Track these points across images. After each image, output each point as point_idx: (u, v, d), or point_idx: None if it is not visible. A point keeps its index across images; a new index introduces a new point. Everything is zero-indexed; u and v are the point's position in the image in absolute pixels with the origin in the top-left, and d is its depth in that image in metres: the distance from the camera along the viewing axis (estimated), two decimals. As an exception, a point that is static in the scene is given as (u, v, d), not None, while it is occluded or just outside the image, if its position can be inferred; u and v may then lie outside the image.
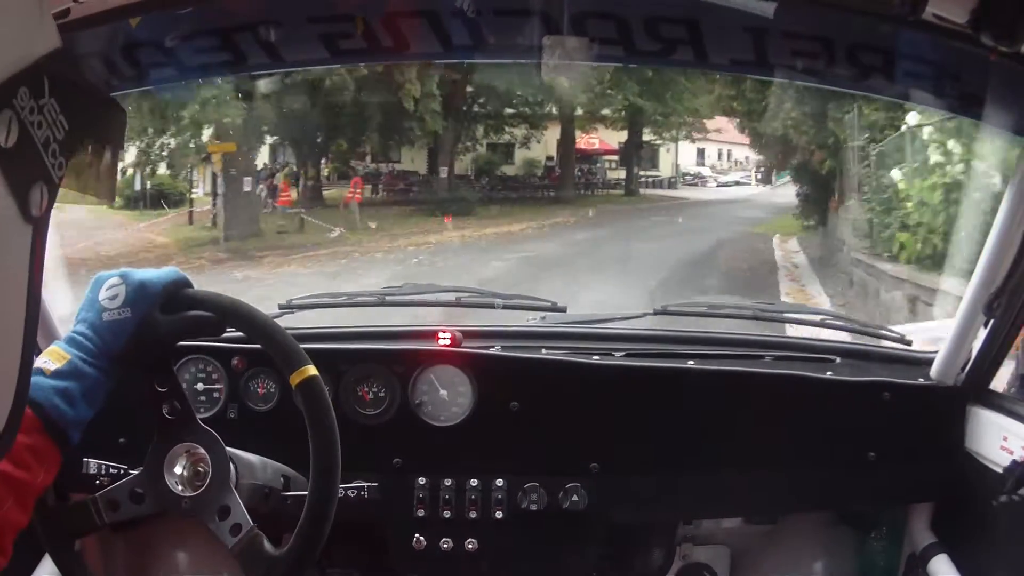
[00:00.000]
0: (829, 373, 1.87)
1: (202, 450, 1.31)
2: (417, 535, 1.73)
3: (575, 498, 1.74)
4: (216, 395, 1.76)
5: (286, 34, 1.36)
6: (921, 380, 1.85)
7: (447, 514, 1.74)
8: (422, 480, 1.74)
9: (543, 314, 2.12)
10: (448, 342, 1.83)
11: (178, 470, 1.31)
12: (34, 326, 0.68)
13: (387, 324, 2.10)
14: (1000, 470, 1.61)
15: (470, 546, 1.74)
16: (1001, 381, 1.80)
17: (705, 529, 2.06)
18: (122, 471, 1.42)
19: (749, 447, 1.80)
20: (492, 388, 1.77)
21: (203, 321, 1.31)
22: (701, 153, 24.25)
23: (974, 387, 1.77)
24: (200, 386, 1.76)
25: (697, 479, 1.81)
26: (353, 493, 1.44)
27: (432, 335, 1.87)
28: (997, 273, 1.60)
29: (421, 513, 1.74)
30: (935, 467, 1.82)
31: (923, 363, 1.90)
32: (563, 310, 2.10)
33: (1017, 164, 1.50)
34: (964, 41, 1.10)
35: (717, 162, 24.87)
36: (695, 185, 23.23)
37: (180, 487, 1.31)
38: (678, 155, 23.39)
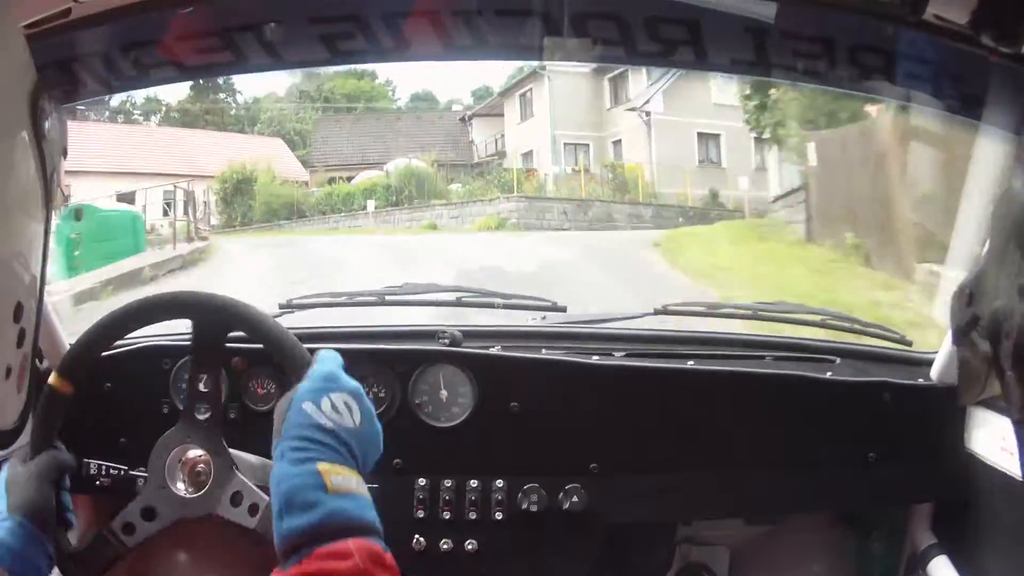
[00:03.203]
0: (829, 373, 1.87)
1: (203, 451, 1.31)
2: (417, 535, 1.73)
3: (575, 498, 1.73)
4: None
5: (286, 34, 1.36)
6: (921, 380, 1.85)
7: (447, 514, 1.74)
8: (422, 481, 1.74)
9: (543, 314, 2.12)
10: (448, 342, 1.83)
11: (180, 473, 1.31)
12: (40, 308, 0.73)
13: (387, 324, 2.10)
14: (1000, 470, 1.61)
15: (470, 546, 1.74)
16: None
17: (705, 529, 2.06)
18: (122, 471, 1.42)
19: (749, 447, 1.80)
20: (492, 388, 1.77)
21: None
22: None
23: (974, 388, 1.76)
24: (200, 386, 1.76)
25: (697, 479, 1.81)
26: None
27: (432, 335, 1.87)
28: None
29: (421, 514, 1.74)
30: (935, 467, 1.82)
31: (923, 363, 1.90)
32: (563, 310, 2.10)
33: (1017, 165, 1.50)
34: (964, 42, 1.11)
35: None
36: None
37: (185, 490, 1.31)
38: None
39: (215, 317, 1.29)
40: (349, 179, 19.23)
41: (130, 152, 18.19)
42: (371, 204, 17.96)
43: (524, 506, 1.73)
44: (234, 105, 21.89)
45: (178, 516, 1.30)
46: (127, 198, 17.04)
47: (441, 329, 1.86)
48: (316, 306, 2.06)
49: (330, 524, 0.94)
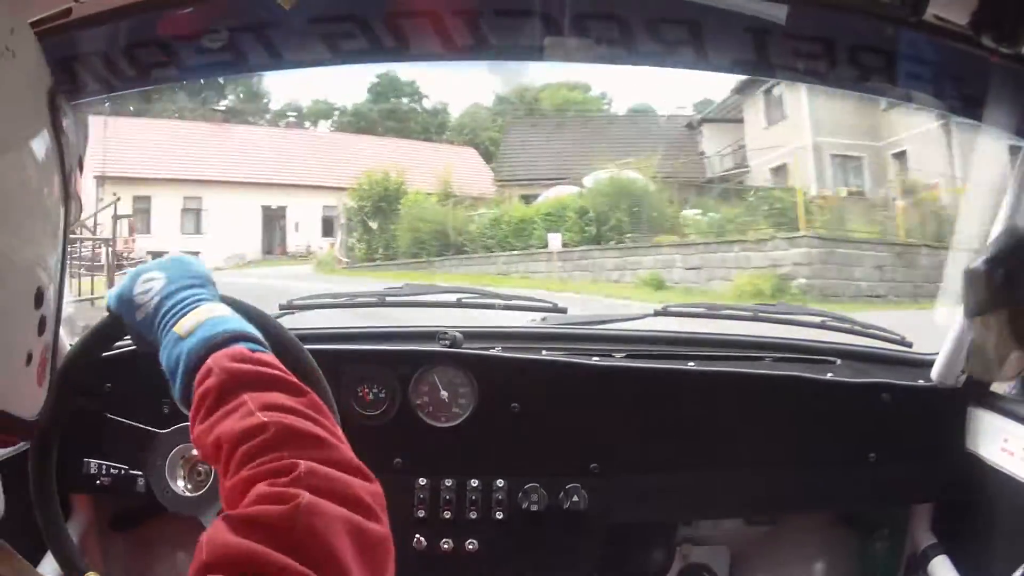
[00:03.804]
0: (829, 374, 1.87)
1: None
2: (417, 535, 1.73)
3: (575, 498, 1.73)
4: None
5: (287, 34, 1.36)
6: (921, 381, 1.85)
7: (447, 514, 1.74)
8: (422, 480, 1.74)
9: (544, 315, 2.12)
10: (448, 343, 1.83)
11: (181, 472, 1.31)
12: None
13: (388, 324, 2.10)
14: (1000, 470, 1.61)
15: (470, 546, 1.74)
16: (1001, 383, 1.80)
17: (705, 529, 2.06)
18: (122, 471, 1.42)
19: (749, 448, 1.80)
20: (493, 389, 1.77)
21: None
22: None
23: (975, 388, 1.77)
24: None
25: (697, 480, 1.81)
26: None
27: (432, 336, 1.87)
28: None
29: (421, 513, 1.74)
30: (935, 468, 1.82)
31: (923, 365, 1.90)
32: (564, 311, 2.10)
33: (1017, 165, 1.50)
34: (965, 42, 1.11)
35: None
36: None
37: (185, 489, 1.31)
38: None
39: None
40: (531, 198, 14.16)
41: (288, 159, 16.72)
42: (554, 240, 11.82)
43: (525, 506, 1.73)
44: (420, 110, 18.40)
45: (180, 514, 1.30)
46: (276, 214, 16.45)
47: (441, 330, 1.86)
48: (317, 307, 2.06)
49: (192, 360, 0.96)
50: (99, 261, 14.72)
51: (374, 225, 14.57)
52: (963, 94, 1.38)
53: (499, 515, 1.74)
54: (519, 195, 14.69)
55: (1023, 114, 1.34)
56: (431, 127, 18.10)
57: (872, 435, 1.80)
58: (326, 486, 0.76)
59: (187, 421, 1.32)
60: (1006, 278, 1.21)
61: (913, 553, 1.91)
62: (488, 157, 16.78)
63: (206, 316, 1.00)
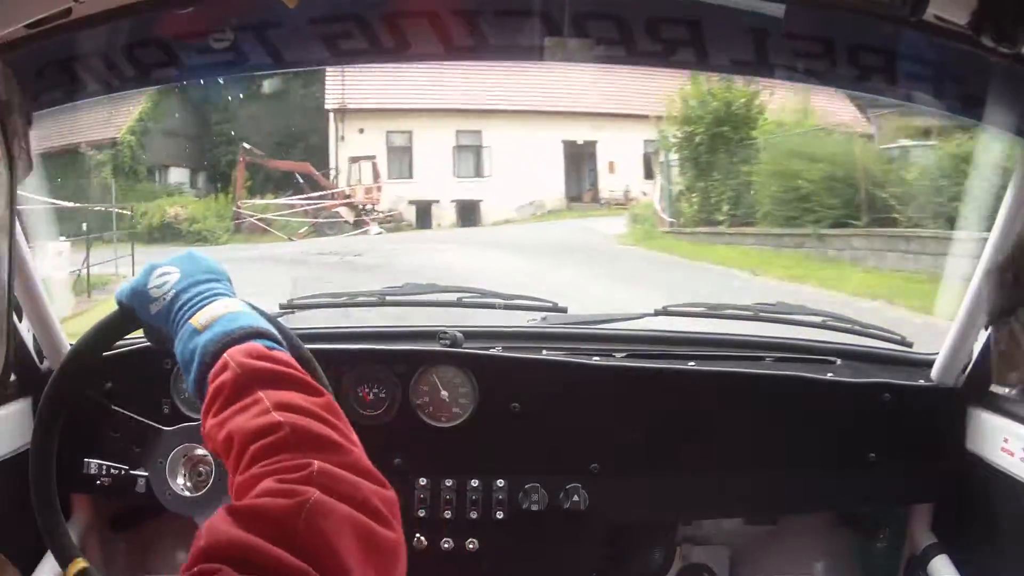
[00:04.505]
0: (830, 374, 1.87)
1: (203, 451, 1.31)
2: (418, 535, 1.73)
3: (576, 498, 1.74)
4: None
5: (287, 34, 1.36)
6: (922, 381, 1.85)
7: (448, 514, 1.74)
8: (423, 480, 1.74)
9: (544, 315, 2.12)
10: (449, 343, 1.83)
11: (181, 472, 1.31)
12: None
13: (388, 324, 2.10)
14: (1000, 470, 1.61)
15: (471, 546, 1.74)
16: (1002, 382, 1.80)
17: (705, 529, 2.06)
18: (123, 471, 1.42)
19: (749, 448, 1.80)
20: (493, 388, 1.77)
21: None
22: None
23: (975, 388, 1.77)
24: None
25: (697, 480, 1.81)
26: None
27: (433, 335, 1.87)
28: None
29: (422, 513, 1.74)
30: (936, 468, 1.82)
31: (924, 364, 1.90)
32: (564, 310, 2.10)
33: (1017, 165, 1.50)
34: (965, 42, 1.10)
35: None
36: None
37: (186, 489, 1.31)
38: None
39: None
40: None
41: (594, 82, 11.55)
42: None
43: (525, 506, 1.73)
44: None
45: (179, 514, 1.30)
46: (583, 151, 12.44)
47: (442, 330, 1.86)
48: (317, 306, 2.06)
49: (207, 353, 0.96)
50: (335, 218, 12.99)
51: (710, 167, 8.70)
52: (963, 94, 1.38)
53: (499, 515, 1.74)
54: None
55: (1022, 114, 1.33)
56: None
57: (872, 435, 1.80)
58: (338, 488, 0.76)
59: (188, 421, 1.33)
60: (1015, 279, 1.22)
61: (913, 553, 1.91)
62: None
63: (223, 311, 1.00)
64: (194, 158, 14.89)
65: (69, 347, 1.68)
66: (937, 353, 1.85)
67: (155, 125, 14.02)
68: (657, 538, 2.00)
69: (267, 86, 12.97)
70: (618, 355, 1.92)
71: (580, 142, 13.16)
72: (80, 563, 1.18)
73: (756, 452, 1.80)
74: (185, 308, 1.03)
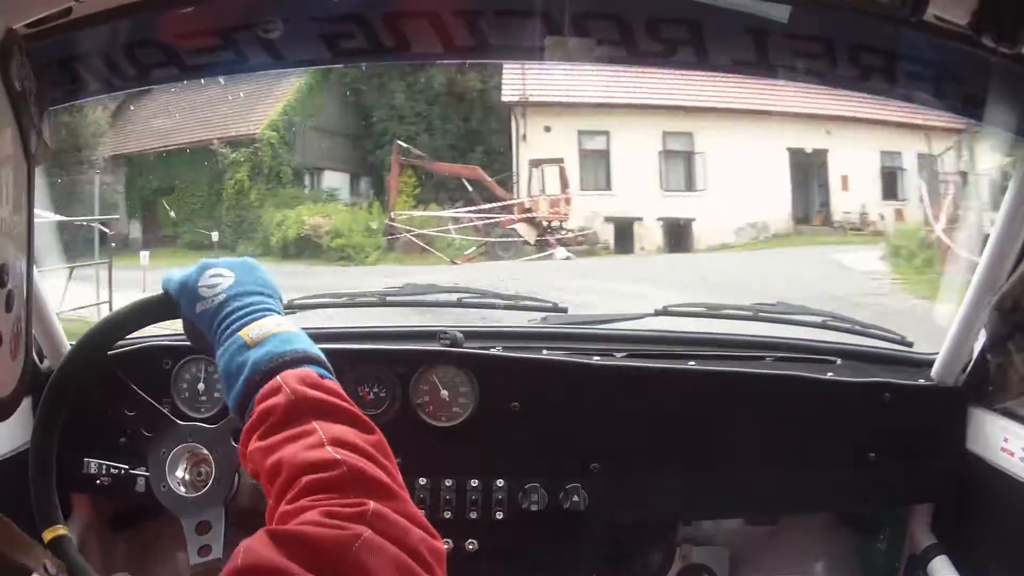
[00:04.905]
0: (830, 374, 1.87)
1: (204, 451, 1.31)
2: None
3: (575, 498, 1.73)
4: (217, 395, 1.76)
5: (287, 34, 1.36)
6: (922, 381, 1.85)
7: (447, 514, 1.74)
8: (423, 480, 1.74)
9: (544, 315, 2.12)
10: (449, 343, 1.83)
11: (181, 472, 1.31)
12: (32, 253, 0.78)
13: (388, 324, 2.10)
14: (1001, 470, 1.61)
15: (471, 546, 1.74)
16: (1002, 382, 1.79)
17: (705, 530, 2.06)
18: (123, 471, 1.42)
19: (749, 448, 1.80)
20: (493, 388, 1.77)
21: None
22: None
23: (975, 388, 1.77)
24: (201, 386, 1.76)
25: (697, 479, 1.81)
26: None
27: (433, 335, 1.87)
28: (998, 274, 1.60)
29: (422, 513, 1.73)
30: (936, 468, 1.82)
31: (924, 364, 1.90)
32: (564, 310, 2.10)
33: (1017, 166, 1.50)
34: (965, 42, 1.10)
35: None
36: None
37: (183, 488, 1.30)
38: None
39: None
40: None
41: None
42: None
43: (525, 506, 1.73)
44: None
45: (179, 515, 1.30)
46: (811, 160, 10.24)
47: (442, 330, 1.86)
48: (318, 307, 2.06)
49: (257, 372, 0.95)
50: (512, 236, 10.14)
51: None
52: (963, 94, 1.38)
53: (499, 515, 1.74)
54: None
55: (1022, 114, 1.34)
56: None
57: (872, 434, 1.80)
58: (391, 531, 0.76)
59: (189, 421, 1.33)
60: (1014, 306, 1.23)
61: (913, 553, 1.91)
62: None
63: (275, 329, 0.99)
64: (354, 161, 12.58)
65: (69, 347, 1.68)
66: (937, 353, 1.85)
67: (304, 120, 11.82)
68: (657, 538, 2.00)
69: (438, 75, 10.97)
70: (618, 355, 1.92)
71: (809, 151, 10.52)
72: (59, 530, 1.19)
73: (756, 452, 1.80)
74: (233, 317, 1.01)
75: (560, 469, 1.76)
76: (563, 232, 10.67)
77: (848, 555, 2.07)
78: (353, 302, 2.16)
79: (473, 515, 1.74)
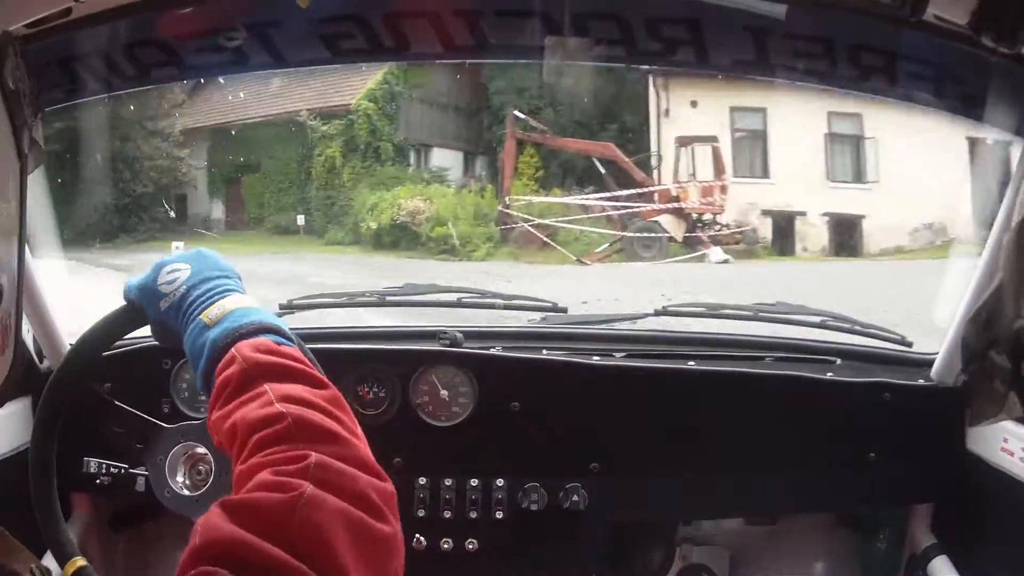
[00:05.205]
0: (830, 374, 1.87)
1: (200, 448, 1.31)
2: (417, 535, 1.73)
3: (575, 498, 1.73)
4: None
5: (287, 34, 1.36)
6: (922, 381, 1.85)
7: (447, 514, 1.74)
8: (422, 480, 1.74)
9: (544, 315, 2.12)
10: (449, 343, 1.83)
11: (181, 471, 1.31)
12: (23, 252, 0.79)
13: (388, 324, 2.10)
14: (1001, 470, 1.61)
15: (470, 546, 1.74)
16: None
17: (705, 530, 2.06)
18: (122, 470, 1.42)
19: (749, 448, 1.80)
20: (493, 388, 1.77)
21: None
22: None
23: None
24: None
25: (697, 479, 1.81)
26: None
27: (432, 335, 1.87)
28: (997, 274, 1.60)
29: (421, 513, 1.74)
30: (936, 468, 1.82)
31: (924, 364, 1.90)
32: (564, 311, 2.10)
33: (1016, 165, 1.50)
34: (965, 42, 1.11)
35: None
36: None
37: (185, 488, 1.31)
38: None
39: None
40: None
41: None
42: None
43: (525, 505, 1.73)
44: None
45: (178, 514, 1.30)
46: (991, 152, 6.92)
47: (442, 330, 1.86)
48: (317, 307, 2.06)
49: (215, 348, 0.97)
50: (654, 231, 8.15)
51: None
52: (963, 94, 1.38)
53: (499, 515, 1.74)
54: None
55: (1023, 114, 1.34)
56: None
57: (872, 434, 1.80)
58: (333, 480, 0.76)
59: (188, 421, 1.33)
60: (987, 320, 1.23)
61: (913, 553, 1.91)
62: None
63: (233, 306, 1.01)
64: (466, 138, 10.95)
65: (69, 347, 1.68)
66: (937, 353, 1.85)
67: (410, 91, 10.38)
68: (657, 538, 2.00)
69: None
70: (618, 355, 1.92)
71: (989, 141, 8.33)
72: (79, 562, 1.18)
73: (756, 452, 1.80)
74: (196, 304, 1.03)
75: (560, 469, 1.76)
76: (717, 227, 9.05)
77: (848, 555, 2.07)
78: (353, 302, 2.16)
79: (473, 515, 1.74)
